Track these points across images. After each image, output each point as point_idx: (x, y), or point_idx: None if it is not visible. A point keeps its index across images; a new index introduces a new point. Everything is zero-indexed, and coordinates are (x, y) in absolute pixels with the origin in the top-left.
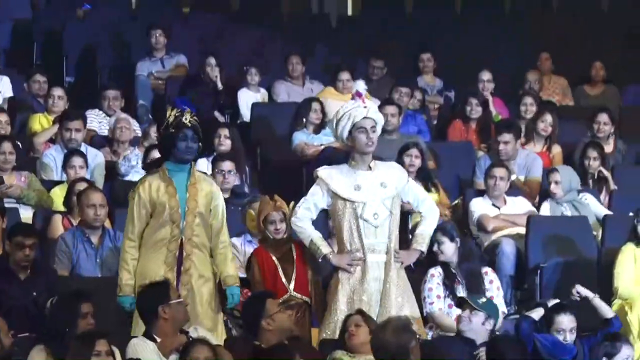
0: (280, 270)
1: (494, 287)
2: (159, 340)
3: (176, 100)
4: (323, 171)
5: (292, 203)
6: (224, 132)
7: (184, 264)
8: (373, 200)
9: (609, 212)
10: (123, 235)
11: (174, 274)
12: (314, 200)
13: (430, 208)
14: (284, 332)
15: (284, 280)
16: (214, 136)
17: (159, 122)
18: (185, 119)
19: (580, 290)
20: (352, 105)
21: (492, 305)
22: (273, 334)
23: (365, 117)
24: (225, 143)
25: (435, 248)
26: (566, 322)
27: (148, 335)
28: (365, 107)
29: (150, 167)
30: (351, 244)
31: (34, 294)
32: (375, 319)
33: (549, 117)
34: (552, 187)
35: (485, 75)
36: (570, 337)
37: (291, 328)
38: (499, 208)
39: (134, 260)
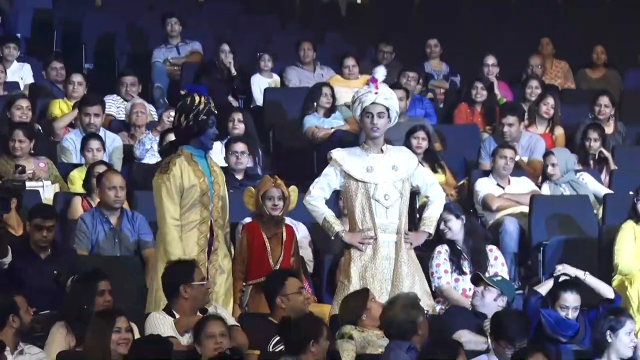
0: (268, 249)
1: (499, 264)
2: (177, 316)
3: (188, 87)
4: (336, 153)
5: (292, 187)
6: (238, 116)
7: (213, 244)
8: (384, 182)
9: (608, 190)
10: (160, 215)
11: (206, 255)
12: (327, 181)
13: (437, 193)
14: (297, 313)
15: (270, 260)
16: (228, 120)
17: (181, 108)
18: (213, 106)
19: (569, 270)
20: (364, 90)
21: (507, 283)
22: (285, 312)
23: (374, 103)
24: (239, 127)
25: (442, 226)
26: (571, 300)
27: (168, 310)
28: (375, 93)
29: (167, 151)
30: (363, 223)
31: (55, 272)
32: (386, 295)
33: (551, 100)
34: (550, 169)
35: (490, 60)
36: (573, 315)
37: (304, 309)
38: (503, 188)
39: (181, 239)
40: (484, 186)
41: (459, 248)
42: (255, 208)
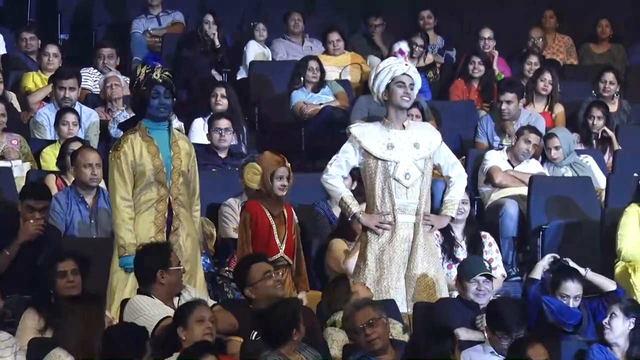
0: (275, 229)
1: (493, 250)
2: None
3: (148, 57)
4: (355, 128)
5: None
6: (221, 91)
7: (173, 224)
8: (405, 160)
9: (604, 179)
10: (112, 196)
11: (164, 236)
12: (345, 158)
13: (460, 173)
14: (270, 299)
15: (277, 240)
16: (210, 95)
17: (130, 80)
18: (156, 75)
19: (571, 265)
20: (394, 61)
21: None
22: (259, 302)
23: (404, 74)
24: (222, 102)
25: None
26: (572, 289)
27: (144, 294)
28: (406, 64)
29: (125, 126)
30: (382, 205)
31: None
32: (402, 279)
33: (548, 76)
34: (553, 152)
35: (487, 33)
36: (574, 304)
37: (276, 294)
38: (513, 166)
39: (132, 220)
40: (494, 158)
41: (452, 234)
42: (262, 186)
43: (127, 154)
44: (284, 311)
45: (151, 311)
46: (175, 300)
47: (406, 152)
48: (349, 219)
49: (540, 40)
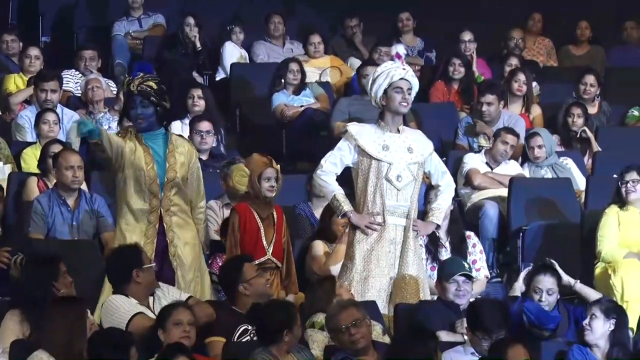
0: (262, 231)
1: (477, 251)
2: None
3: (135, 65)
4: (353, 127)
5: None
6: (197, 92)
7: (167, 236)
8: (399, 163)
9: (583, 180)
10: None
11: (153, 246)
12: (340, 155)
13: (449, 183)
14: (261, 297)
15: (264, 242)
16: (187, 97)
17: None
18: (133, 86)
19: (564, 277)
20: (392, 65)
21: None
22: (249, 298)
23: (402, 78)
24: (198, 104)
25: None
26: (545, 282)
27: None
28: (404, 69)
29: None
30: (372, 205)
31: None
32: (390, 281)
33: (522, 76)
34: (536, 151)
35: (467, 36)
36: (548, 298)
37: (267, 292)
38: (491, 168)
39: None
40: (472, 161)
41: (438, 235)
42: (250, 188)
43: (128, 145)
44: (279, 312)
45: (126, 308)
46: (150, 299)
47: (400, 155)
48: (339, 216)
49: (521, 41)
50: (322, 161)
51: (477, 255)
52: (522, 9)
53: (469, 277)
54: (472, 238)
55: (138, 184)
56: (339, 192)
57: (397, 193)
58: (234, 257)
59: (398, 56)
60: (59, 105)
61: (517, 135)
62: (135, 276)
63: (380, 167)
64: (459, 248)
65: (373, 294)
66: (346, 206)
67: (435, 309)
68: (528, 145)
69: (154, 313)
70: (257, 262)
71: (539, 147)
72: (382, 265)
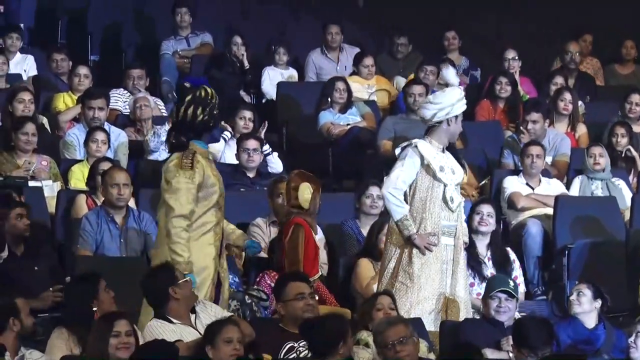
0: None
1: (516, 267)
2: (174, 322)
3: (190, 79)
4: (422, 144)
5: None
6: (248, 114)
7: (222, 247)
8: (451, 184)
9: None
10: (170, 211)
11: (220, 257)
12: (410, 174)
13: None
14: (295, 321)
15: (320, 259)
16: (237, 117)
17: (194, 101)
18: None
19: None
20: (462, 95)
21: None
22: (287, 320)
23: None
24: (248, 126)
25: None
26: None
27: (161, 317)
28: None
29: (178, 147)
30: (432, 225)
31: (35, 269)
32: (440, 299)
33: (568, 95)
34: (597, 158)
35: (510, 54)
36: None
37: (304, 317)
38: (532, 188)
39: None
40: (512, 184)
41: (477, 251)
42: (310, 205)
43: (197, 174)
44: (334, 323)
45: (166, 337)
46: (192, 317)
47: (449, 176)
48: (405, 238)
49: (578, 55)
50: (394, 177)
51: (517, 271)
52: (566, 27)
53: (512, 295)
54: (510, 254)
55: (209, 199)
56: (408, 213)
57: (450, 214)
58: (288, 273)
59: (462, 84)
60: (106, 123)
61: (542, 146)
62: (173, 293)
63: (439, 188)
64: (503, 264)
65: (425, 312)
66: (413, 229)
67: (480, 327)
68: (588, 154)
69: (196, 329)
70: (312, 278)
71: (600, 155)
72: (436, 286)
